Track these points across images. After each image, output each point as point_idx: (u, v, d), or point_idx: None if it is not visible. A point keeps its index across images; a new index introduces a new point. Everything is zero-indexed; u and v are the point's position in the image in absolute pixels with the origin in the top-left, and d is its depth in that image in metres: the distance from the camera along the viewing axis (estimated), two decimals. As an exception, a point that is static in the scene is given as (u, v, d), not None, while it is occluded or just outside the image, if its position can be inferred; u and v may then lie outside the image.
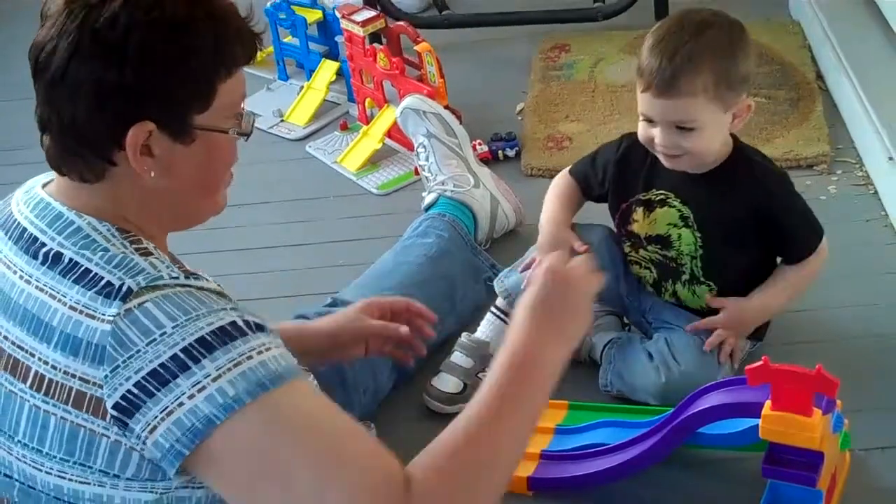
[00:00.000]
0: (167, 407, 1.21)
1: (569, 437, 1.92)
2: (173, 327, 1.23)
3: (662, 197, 1.98)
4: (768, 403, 1.60)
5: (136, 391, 1.22)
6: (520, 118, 2.95)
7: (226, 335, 1.24)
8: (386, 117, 2.81)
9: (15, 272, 1.32)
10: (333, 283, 2.25)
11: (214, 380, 1.21)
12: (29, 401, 1.29)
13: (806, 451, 1.61)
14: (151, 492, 1.28)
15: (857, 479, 1.81)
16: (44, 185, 1.39)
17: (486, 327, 2.12)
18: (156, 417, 1.21)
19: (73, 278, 1.27)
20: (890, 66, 2.70)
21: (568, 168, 2.14)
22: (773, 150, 2.63)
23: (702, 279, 2.00)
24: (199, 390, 1.21)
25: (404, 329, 1.84)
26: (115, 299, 1.24)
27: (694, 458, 1.84)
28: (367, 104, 2.94)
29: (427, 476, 1.24)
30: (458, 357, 2.08)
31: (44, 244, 1.31)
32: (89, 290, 1.25)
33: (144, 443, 1.23)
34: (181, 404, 1.21)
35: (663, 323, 2.04)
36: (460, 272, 2.28)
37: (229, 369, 1.22)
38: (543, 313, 1.42)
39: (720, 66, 1.83)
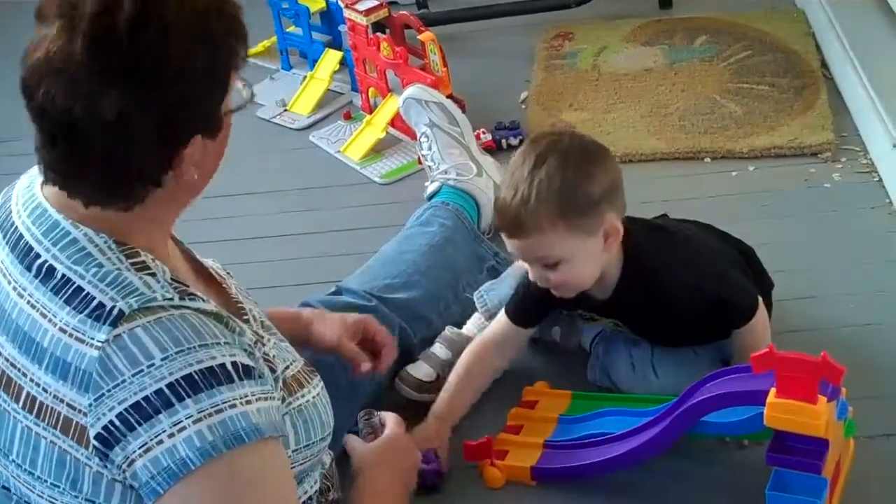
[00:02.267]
0: (146, 444, 1.20)
1: (572, 427, 1.92)
2: (162, 359, 1.21)
3: (590, 316, 1.99)
4: (773, 391, 1.60)
5: (118, 423, 1.20)
6: (523, 107, 2.94)
7: (213, 377, 1.22)
8: (389, 106, 2.81)
9: (10, 282, 1.30)
10: (337, 272, 2.25)
11: (195, 422, 1.20)
12: (22, 421, 1.27)
13: (811, 439, 1.61)
14: None
15: (862, 467, 1.80)
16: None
17: (472, 325, 2.12)
18: (134, 452, 1.20)
19: (64, 297, 1.24)
20: (895, 54, 2.69)
21: (499, 325, 2.01)
22: (778, 138, 2.64)
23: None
24: (180, 430, 1.20)
25: (366, 366, 1.82)
26: (104, 323, 1.21)
27: (698, 447, 1.84)
28: (370, 93, 2.94)
29: None
30: (437, 348, 2.08)
31: (38, 255, 1.28)
32: (80, 312, 1.23)
33: (125, 474, 1.22)
34: (160, 442, 1.20)
35: None
36: (464, 261, 2.27)
37: (210, 414, 1.21)
38: (390, 474, 1.61)
39: (561, 198, 1.73)
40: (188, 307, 1.26)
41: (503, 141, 2.77)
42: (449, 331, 2.10)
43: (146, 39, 1.19)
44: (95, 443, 1.21)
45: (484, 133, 2.74)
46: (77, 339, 1.22)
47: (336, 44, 3.13)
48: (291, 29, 3.19)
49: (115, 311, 1.22)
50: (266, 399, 1.28)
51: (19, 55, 1.24)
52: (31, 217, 1.31)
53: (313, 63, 3.10)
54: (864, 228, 2.34)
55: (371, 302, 2.07)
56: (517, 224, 1.76)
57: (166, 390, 1.20)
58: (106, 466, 1.23)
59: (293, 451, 1.41)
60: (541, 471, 1.86)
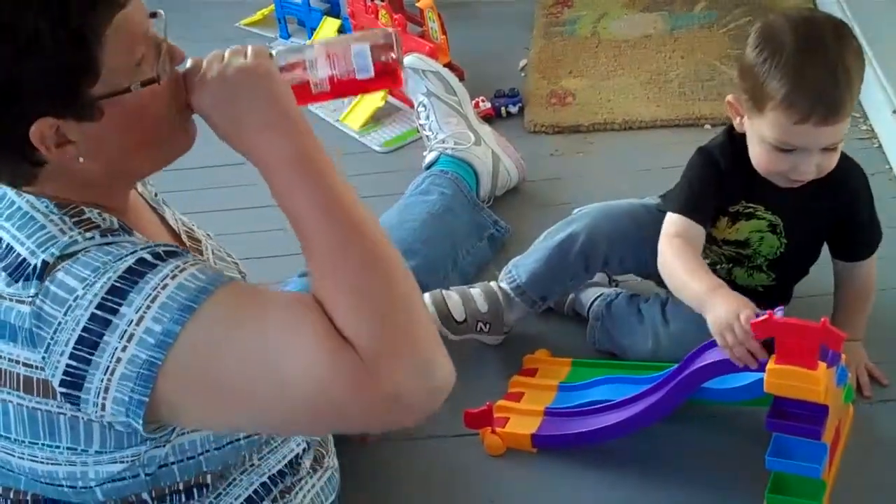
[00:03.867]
0: (108, 367, 1.18)
1: (572, 394, 1.93)
2: (83, 288, 1.19)
3: (751, 210, 1.88)
4: (773, 357, 1.60)
5: (73, 363, 1.19)
6: (523, 74, 2.93)
7: (135, 274, 1.19)
8: (388, 75, 2.80)
9: None
10: (337, 241, 2.24)
11: (138, 323, 1.17)
12: None
13: (810, 405, 1.61)
14: (121, 462, 1.27)
15: (861, 432, 1.81)
16: None
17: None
18: (102, 381, 1.19)
19: (2, 265, 1.23)
20: (895, 21, 2.68)
21: (676, 214, 1.85)
22: (778, 104, 2.63)
23: (765, 269, 1.95)
24: (129, 339, 1.17)
25: None
26: (33, 279, 1.21)
27: (699, 413, 1.84)
28: (369, 62, 2.92)
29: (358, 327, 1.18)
30: (477, 293, 2.05)
31: None
32: (16, 279, 1.21)
33: (103, 408, 1.20)
34: (119, 360, 1.17)
35: None
36: (463, 229, 2.27)
37: (148, 307, 1.18)
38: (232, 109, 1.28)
39: (862, 75, 1.71)
40: (110, 241, 1.23)
41: (502, 109, 2.76)
42: (495, 286, 2.06)
43: None
44: (62, 390, 1.20)
45: (483, 101, 2.74)
46: (16, 300, 1.21)
47: (334, 12, 3.11)
48: (290, -4, 3.18)
49: (40, 264, 1.21)
50: (197, 263, 1.24)
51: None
52: None
53: (311, 31, 3.09)
54: (865, 194, 2.33)
55: (371, 271, 2.06)
56: (840, 106, 1.67)
57: (98, 311, 1.18)
58: (80, 409, 1.22)
59: None
60: (541, 438, 1.86)
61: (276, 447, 1.49)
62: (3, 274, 1.23)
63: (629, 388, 1.85)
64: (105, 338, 1.18)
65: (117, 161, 1.27)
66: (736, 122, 1.82)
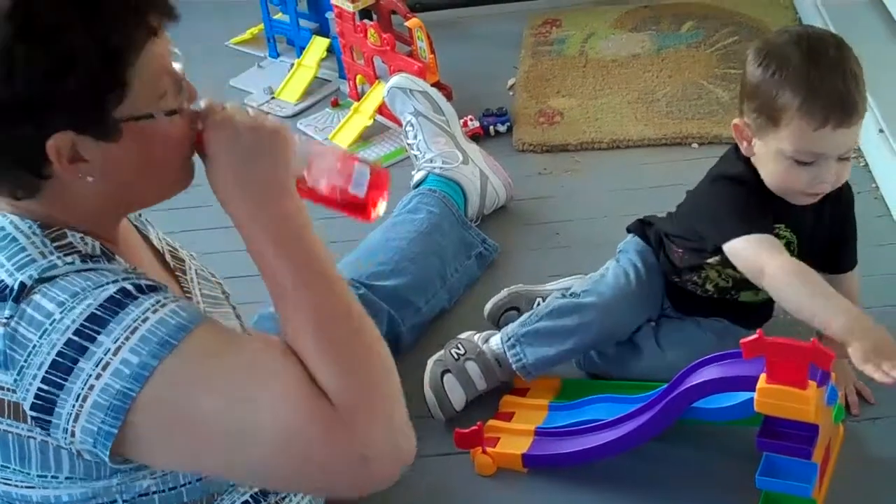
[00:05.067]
0: (80, 393, 1.17)
1: (563, 414, 1.93)
2: (61, 312, 1.18)
3: (776, 231, 1.83)
4: (763, 376, 1.60)
5: (45, 387, 1.18)
6: (511, 94, 2.94)
7: (115, 304, 1.19)
8: (377, 94, 2.80)
9: None
10: (326, 261, 2.24)
11: (115, 353, 1.17)
12: None
13: (801, 424, 1.62)
14: (94, 493, 1.26)
15: (850, 450, 1.81)
16: None
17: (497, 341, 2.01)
18: (73, 406, 1.18)
19: None
20: (881, 39, 2.70)
21: (752, 235, 1.78)
22: (765, 123, 2.64)
23: None
24: (104, 368, 1.17)
25: None
26: (8, 300, 1.20)
27: (689, 432, 1.84)
28: (357, 80, 2.93)
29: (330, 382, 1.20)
30: (475, 371, 1.99)
31: None
32: None
33: (73, 435, 1.19)
34: (91, 387, 1.17)
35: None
36: (451, 247, 2.28)
37: (127, 338, 1.17)
38: (244, 174, 1.29)
39: (864, 82, 1.73)
40: (90, 268, 1.23)
41: (491, 128, 2.77)
42: (490, 353, 1.99)
43: None
44: (32, 413, 1.19)
45: (472, 120, 2.74)
46: None
47: (323, 31, 3.12)
48: (279, 16, 3.18)
49: (17, 286, 1.20)
50: (180, 300, 1.24)
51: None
52: None
53: (301, 50, 3.09)
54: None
55: (359, 289, 2.07)
56: (854, 105, 1.69)
57: (75, 337, 1.17)
58: (49, 434, 1.21)
59: None
60: (532, 458, 1.86)
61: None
62: None
63: (620, 407, 1.85)
64: (80, 364, 1.17)
65: (123, 186, 1.27)
66: (743, 146, 1.81)
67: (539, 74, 2.99)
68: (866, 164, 2.50)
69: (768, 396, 1.60)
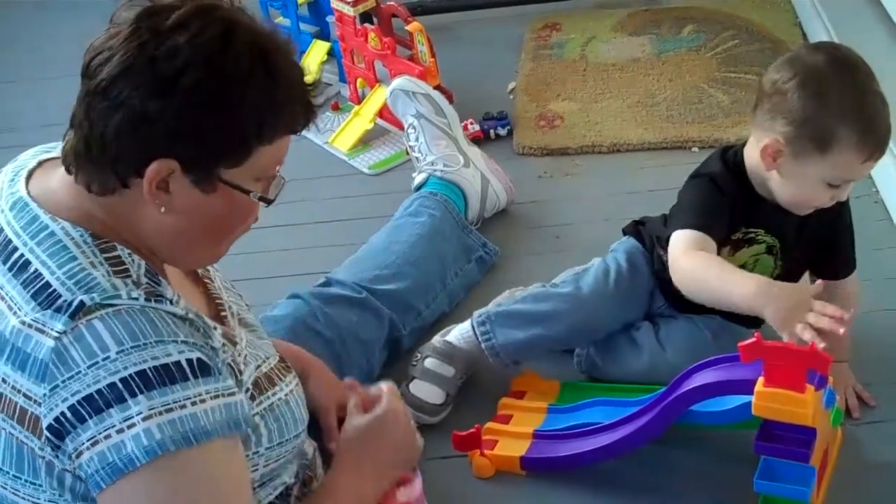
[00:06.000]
0: (94, 437, 1.20)
1: (561, 417, 1.93)
2: (117, 353, 1.20)
3: (752, 235, 1.89)
4: (761, 380, 1.60)
5: (69, 414, 1.20)
6: (511, 97, 2.95)
7: (168, 374, 1.22)
8: (377, 97, 2.81)
9: None
10: (327, 263, 2.25)
11: (145, 419, 1.20)
12: None
13: (799, 428, 1.62)
14: None
15: (848, 454, 1.82)
16: (30, 174, 1.36)
17: (458, 334, 2.04)
18: (83, 444, 1.20)
19: (31, 292, 1.24)
20: (881, 43, 2.70)
21: (688, 229, 1.82)
22: (765, 127, 2.64)
23: None
24: (129, 426, 1.19)
25: (333, 445, 1.71)
26: (64, 314, 1.21)
27: (687, 436, 1.84)
28: (358, 84, 2.94)
29: None
30: (436, 364, 2.01)
31: (16, 248, 1.28)
32: (44, 308, 1.23)
33: (74, 464, 1.22)
34: (108, 437, 1.19)
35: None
36: (452, 251, 2.28)
37: (161, 413, 1.20)
38: (369, 452, 1.56)
39: None
40: (152, 307, 1.25)
41: (491, 131, 2.77)
42: (438, 342, 2.03)
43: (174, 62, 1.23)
44: (48, 433, 1.21)
45: (472, 123, 2.75)
46: (37, 329, 1.22)
47: (324, 35, 3.12)
48: (279, 20, 3.18)
49: (76, 303, 1.22)
50: (224, 396, 1.27)
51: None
52: (13, 211, 1.32)
53: (301, 54, 3.09)
54: (850, 217, 2.34)
55: (360, 293, 2.07)
56: (888, 133, 1.76)
57: (119, 385, 1.20)
58: (57, 457, 1.23)
59: (266, 449, 1.41)
60: (530, 460, 1.86)
61: (267, 482, 1.48)
62: (29, 298, 1.24)
63: (618, 410, 1.85)
64: (111, 410, 1.20)
65: (178, 233, 1.32)
66: (766, 161, 1.80)
67: (539, 78, 2.99)
68: (866, 168, 2.50)
69: (766, 400, 1.60)
